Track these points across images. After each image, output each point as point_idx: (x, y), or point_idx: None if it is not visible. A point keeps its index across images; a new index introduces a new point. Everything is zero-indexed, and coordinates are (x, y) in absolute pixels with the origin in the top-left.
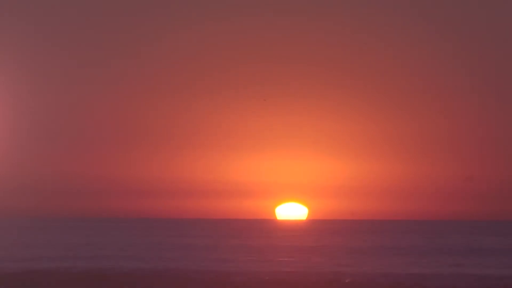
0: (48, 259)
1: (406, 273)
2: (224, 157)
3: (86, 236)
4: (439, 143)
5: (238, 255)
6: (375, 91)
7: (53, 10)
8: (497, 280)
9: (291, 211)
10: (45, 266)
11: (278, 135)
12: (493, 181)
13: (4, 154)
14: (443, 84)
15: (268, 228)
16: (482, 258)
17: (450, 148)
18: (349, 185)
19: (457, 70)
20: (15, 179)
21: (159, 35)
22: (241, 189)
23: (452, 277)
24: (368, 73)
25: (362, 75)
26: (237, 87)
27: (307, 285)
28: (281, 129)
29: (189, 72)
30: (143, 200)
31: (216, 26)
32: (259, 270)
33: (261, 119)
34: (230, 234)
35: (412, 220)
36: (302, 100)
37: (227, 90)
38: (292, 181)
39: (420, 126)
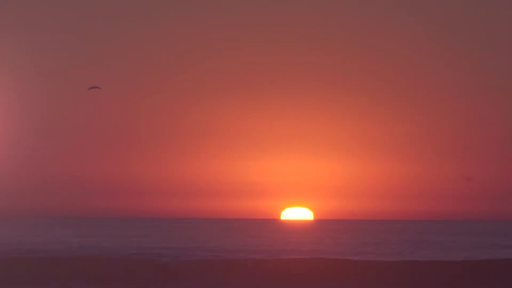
0: None
1: None
2: (229, 158)
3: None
4: (439, 143)
5: None
6: (375, 92)
7: (54, 9)
8: None
9: (296, 213)
10: None
11: (280, 136)
12: (493, 181)
13: (5, 155)
14: (443, 84)
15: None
16: None
17: (450, 148)
18: (350, 186)
19: (457, 69)
20: (17, 180)
21: (166, 33)
22: (245, 190)
23: None
24: (369, 74)
25: (364, 76)
26: (248, 87)
27: None
28: (283, 131)
29: (201, 71)
30: (150, 200)
31: (225, 23)
32: None
33: (266, 121)
34: None
35: (412, 220)
36: (306, 103)
37: (238, 91)
38: (295, 182)
39: (420, 126)
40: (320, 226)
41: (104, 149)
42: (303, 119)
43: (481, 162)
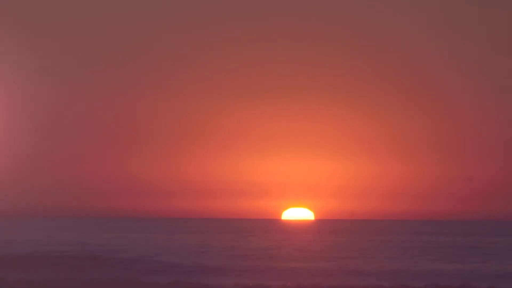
0: None
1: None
2: (229, 159)
3: None
4: (439, 144)
5: None
6: (375, 92)
7: (53, 9)
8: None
9: (297, 213)
10: None
11: (280, 137)
12: (493, 181)
13: (5, 156)
14: (443, 84)
15: None
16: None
17: (450, 148)
18: (351, 186)
19: (457, 70)
20: (17, 181)
21: (166, 33)
22: (245, 190)
23: None
24: (369, 74)
25: (364, 76)
26: (248, 87)
27: None
28: (283, 132)
29: (201, 71)
30: (150, 200)
31: (226, 23)
32: None
33: (266, 121)
34: None
35: (412, 220)
36: (306, 103)
37: (238, 91)
38: (296, 182)
39: (420, 127)
40: (321, 226)
41: (104, 149)
42: (303, 119)
43: (481, 162)
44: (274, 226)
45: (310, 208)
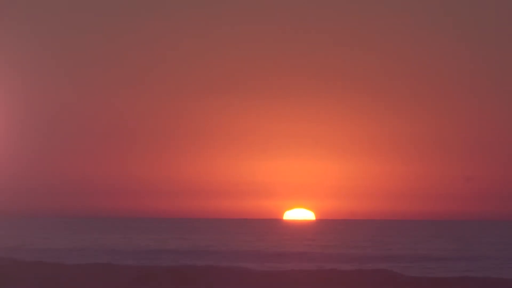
0: None
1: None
2: (230, 159)
3: None
4: (439, 144)
5: None
6: (375, 92)
7: (53, 9)
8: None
9: (299, 213)
10: None
11: (280, 137)
12: (493, 181)
13: (6, 156)
14: (443, 85)
15: None
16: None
17: (449, 148)
18: (351, 186)
19: (457, 70)
20: (17, 181)
21: (167, 33)
22: (246, 190)
23: None
24: (370, 74)
25: (365, 77)
26: (249, 88)
27: None
28: (283, 132)
29: (202, 71)
30: (152, 200)
31: (226, 23)
32: None
33: (267, 122)
34: None
35: (412, 220)
36: (307, 103)
37: (239, 91)
38: (297, 183)
39: (420, 127)
40: (324, 226)
41: (104, 149)
42: (303, 119)
43: (481, 162)
44: (295, 227)
45: (311, 208)
